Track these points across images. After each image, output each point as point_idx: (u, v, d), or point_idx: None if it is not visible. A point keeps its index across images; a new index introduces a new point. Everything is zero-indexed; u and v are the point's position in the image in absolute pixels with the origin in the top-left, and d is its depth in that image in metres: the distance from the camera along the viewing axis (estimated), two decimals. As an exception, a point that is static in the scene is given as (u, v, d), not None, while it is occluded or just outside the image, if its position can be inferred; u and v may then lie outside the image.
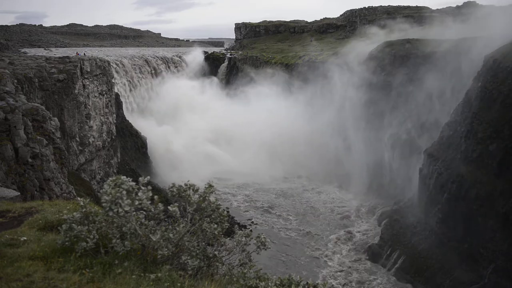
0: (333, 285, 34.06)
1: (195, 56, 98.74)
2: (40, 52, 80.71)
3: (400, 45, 54.75)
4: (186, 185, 5.31)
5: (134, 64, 69.52)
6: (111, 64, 53.85)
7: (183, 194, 5.24)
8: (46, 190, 16.63)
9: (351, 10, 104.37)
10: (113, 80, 50.87)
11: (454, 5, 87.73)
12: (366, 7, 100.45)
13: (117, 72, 60.13)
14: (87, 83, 42.09)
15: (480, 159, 32.39)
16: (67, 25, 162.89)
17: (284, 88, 75.16)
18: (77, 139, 39.55)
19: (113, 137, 49.26)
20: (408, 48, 53.04)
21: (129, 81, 65.20)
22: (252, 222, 46.82)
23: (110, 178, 4.76)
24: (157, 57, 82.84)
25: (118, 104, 53.60)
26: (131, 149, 53.77)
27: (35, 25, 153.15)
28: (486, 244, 30.58)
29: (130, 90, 64.83)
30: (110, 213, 4.65)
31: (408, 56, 51.95)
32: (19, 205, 7.56)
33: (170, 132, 65.40)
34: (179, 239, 4.90)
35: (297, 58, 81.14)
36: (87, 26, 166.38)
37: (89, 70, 42.35)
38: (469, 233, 32.16)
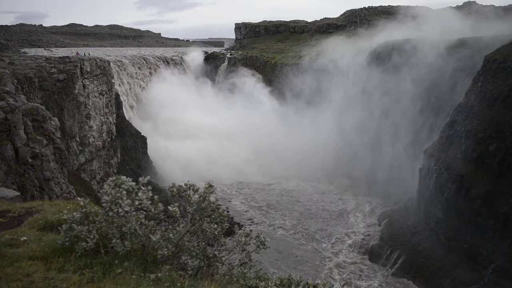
0: (333, 285, 33.98)
1: (195, 56, 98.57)
2: (40, 52, 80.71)
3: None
4: (186, 185, 5.31)
5: (135, 64, 69.50)
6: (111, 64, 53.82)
7: (183, 194, 5.24)
8: (46, 190, 16.61)
9: (351, 10, 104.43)
10: (113, 80, 50.84)
11: (454, 5, 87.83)
12: (366, 7, 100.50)
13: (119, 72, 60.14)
14: (87, 83, 42.05)
15: (480, 159, 32.39)
16: (67, 25, 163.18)
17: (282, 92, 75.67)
18: (77, 139, 39.53)
19: (113, 137, 49.23)
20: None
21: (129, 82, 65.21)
22: (252, 222, 46.83)
23: (110, 178, 4.75)
24: (157, 57, 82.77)
25: (118, 104, 53.56)
26: (131, 149, 53.70)
27: (35, 25, 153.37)
28: (486, 244, 30.59)
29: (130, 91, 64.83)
30: (110, 213, 4.65)
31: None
32: (19, 205, 7.55)
33: (172, 133, 65.38)
34: (179, 239, 4.89)
35: (297, 58, 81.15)
36: (87, 26, 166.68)
37: (89, 70, 42.32)
38: (469, 233, 32.15)
